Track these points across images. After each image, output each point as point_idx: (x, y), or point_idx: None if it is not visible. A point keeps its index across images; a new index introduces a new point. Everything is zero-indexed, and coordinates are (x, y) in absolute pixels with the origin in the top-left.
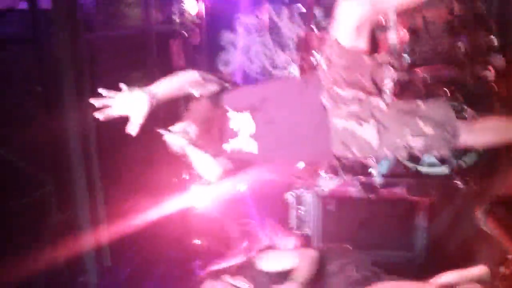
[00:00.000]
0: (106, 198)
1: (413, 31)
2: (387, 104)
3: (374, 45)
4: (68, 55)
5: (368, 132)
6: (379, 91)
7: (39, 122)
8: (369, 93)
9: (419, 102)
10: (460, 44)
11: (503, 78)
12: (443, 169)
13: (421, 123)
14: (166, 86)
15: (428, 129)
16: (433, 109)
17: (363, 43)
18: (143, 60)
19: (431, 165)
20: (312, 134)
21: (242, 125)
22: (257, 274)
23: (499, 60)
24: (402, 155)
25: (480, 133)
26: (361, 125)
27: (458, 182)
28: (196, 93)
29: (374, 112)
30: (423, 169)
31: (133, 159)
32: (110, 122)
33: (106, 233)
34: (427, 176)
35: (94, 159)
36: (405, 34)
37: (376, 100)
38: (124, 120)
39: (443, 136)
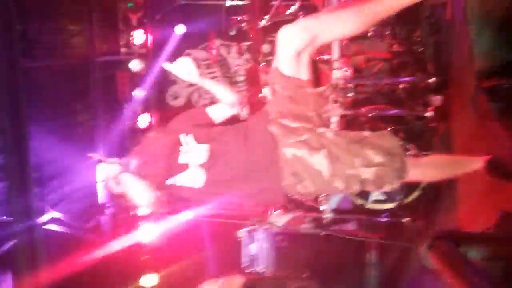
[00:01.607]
0: None
1: (356, 69)
2: (334, 133)
3: (317, 78)
4: (5, 83)
5: (319, 161)
6: (325, 124)
7: None
8: (316, 125)
9: (366, 133)
10: (400, 84)
11: (442, 117)
12: (389, 205)
13: (370, 153)
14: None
15: (378, 159)
16: (381, 139)
17: (304, 74)
18: (86, 90)
19: (377, 201)
20: (262, 167)
21: (193, 157)
22: None
23: (437, 100)
24: (355, 188)
25: (425, 168)
26: (311, 155)
27: (404, 219)
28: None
29: (323, 141)
30: (370, 205)
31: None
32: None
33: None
34: (376, 212)
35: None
36: (348, 72)
37: (323, 129)
38: None
39: (393, 167)
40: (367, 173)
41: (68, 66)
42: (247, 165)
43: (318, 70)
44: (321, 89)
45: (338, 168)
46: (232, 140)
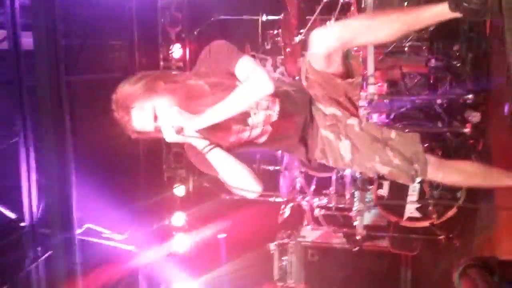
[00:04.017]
0: None
1: (391, 84)
2: (361, 128)
3: (349, 70)
4: (48, 96)
5: (343, 147)
6: (356, 110)
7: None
8: (346, 109)
9: (393, 134)
10: (437, 99)
11: (480, 134)
12: (424, 223)
13: (390, 154)
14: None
15: (397, 161)
16: (404, 144)
17: (334, 68)
18: None
19: (412, 219)
20: (307, 134)
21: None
22: None
23: (476, 117)
24: (371, 175)
25: (449, 172)
26: (340, 139)
27: (440, 237)
28: None
29: (349, 133)
30: (405, 222)
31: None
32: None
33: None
34: (410, 230)
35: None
36: (383, 87)
37: (352, 121)
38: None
39: (409, 172)
40: (384, 169)
41: (110, 80)
42: (297, 128)
43: (350, 62)
44: (350, 80)
45: (358, 158)
46: (291, 101)
